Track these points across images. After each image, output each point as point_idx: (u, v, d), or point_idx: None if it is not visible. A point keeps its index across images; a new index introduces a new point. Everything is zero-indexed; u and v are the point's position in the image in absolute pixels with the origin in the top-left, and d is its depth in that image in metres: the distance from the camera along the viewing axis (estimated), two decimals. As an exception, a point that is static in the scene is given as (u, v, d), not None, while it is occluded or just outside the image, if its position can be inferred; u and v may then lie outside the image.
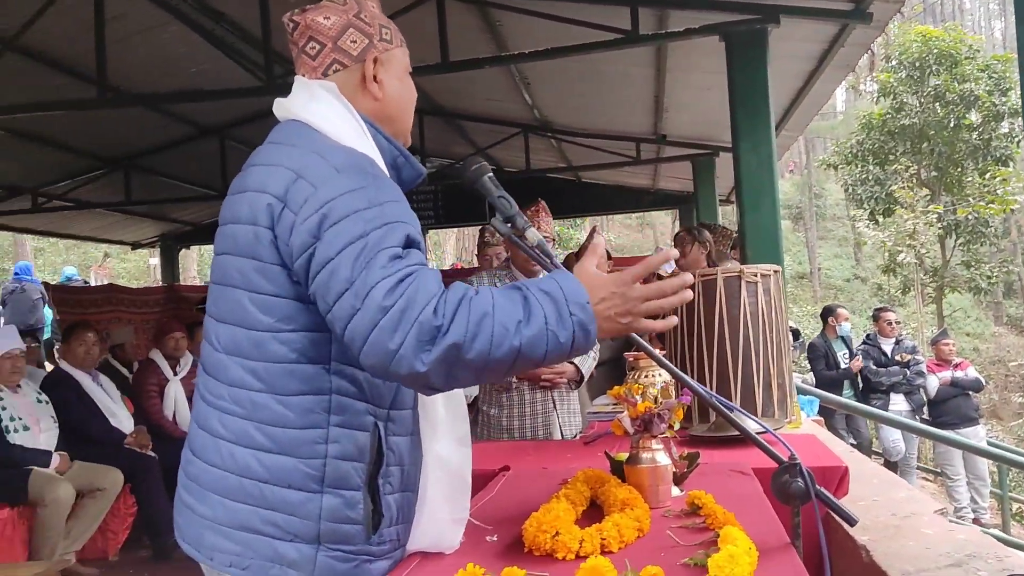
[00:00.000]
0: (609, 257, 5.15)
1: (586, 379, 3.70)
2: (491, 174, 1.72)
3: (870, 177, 17.77)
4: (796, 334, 9.61)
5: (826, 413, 7.74)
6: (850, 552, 2.09)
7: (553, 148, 10.31)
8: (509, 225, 1.68)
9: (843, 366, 8.44)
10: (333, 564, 1.51)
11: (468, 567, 1.40)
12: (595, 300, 1.43)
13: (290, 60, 1.72)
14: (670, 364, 1.70)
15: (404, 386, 1.50)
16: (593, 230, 5.16)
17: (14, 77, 6.10)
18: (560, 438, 3.53)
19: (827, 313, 9.08)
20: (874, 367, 8.35)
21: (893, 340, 8.53)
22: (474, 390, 3.86)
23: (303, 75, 1.66)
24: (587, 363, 3.66)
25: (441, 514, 1.63)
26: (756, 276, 3.27)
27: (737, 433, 2.71)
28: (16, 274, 11.52)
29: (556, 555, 1.56)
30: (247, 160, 1.61)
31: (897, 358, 8.35)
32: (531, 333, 1.37)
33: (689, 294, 1.51)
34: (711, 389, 3.22)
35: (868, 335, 8.93)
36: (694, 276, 3.24)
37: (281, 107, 1.65)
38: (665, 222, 30.70)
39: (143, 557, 5.69)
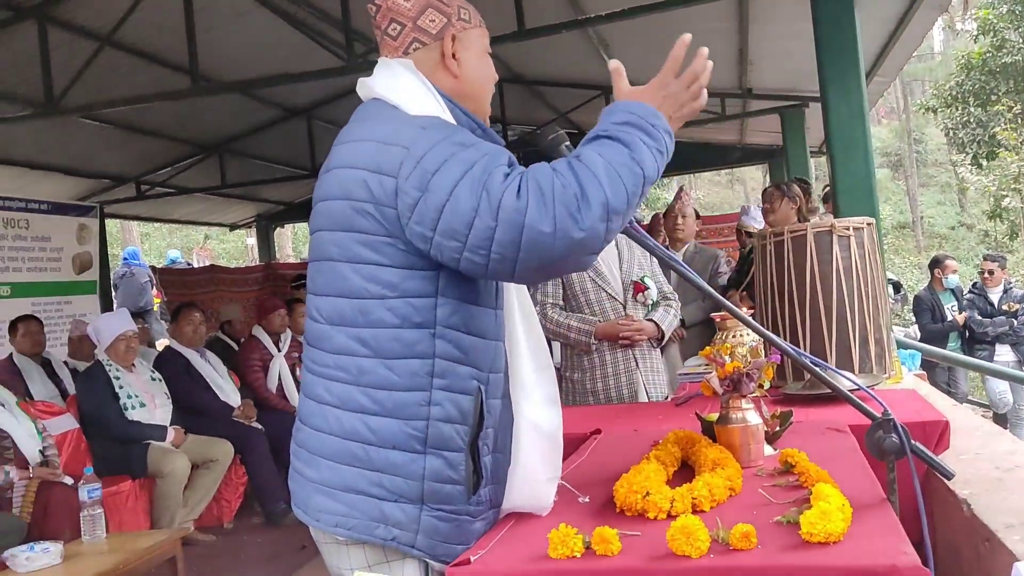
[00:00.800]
0: (698, 216, 5.10)
1: (667, 337, 3.67)
2: (568, 142, 1.73)
3: (971, 119, 16.99)
4: (897, 287, 9.33)
5: (929, 367, 7.53)
6: (951, 506, 2.05)
7: (636, 109, 10.17)
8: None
9: (950, 319, 8.16)
10: (436, 523, 1.56)
11: (560, 527, 1.44)
12: (656, 106, 1.54)
13: (370, 38, 1.77)
14: (755, 324, 1.70)
15: (567, 269, 1.53)
16: (680, 190, 5.11)
17: (112, 72, 6.35)
18: (646, 397, 3.53)
19: (934, 264, 8.76)
20: (979, 317, 8.04)
21: (1000, 289, 8.18)
22: (557, 357, 3.89)
23: (386, 55, 1.71)
24: (667, 320, 3.63)
25: (535, 474, 1.67)
26: (848, 230, 3.20)
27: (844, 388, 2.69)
28: (125, 259, 12.05)
29: (648, 515, 1.59)
30: (335, 140, 1.67)
31: (1004, 307, 8.03)
32: (644, 158, 1.46)
33: (704, 50, 1.63)
34: (804, 347, 3.18)
35: (974, 284, 8.60)
36: (784, 232, 3.22)
37: (364, 86, 1.71)
38: (756, 177, 30.00)
39: (256, 523, 5.95)
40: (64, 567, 3.56)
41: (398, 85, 1.63)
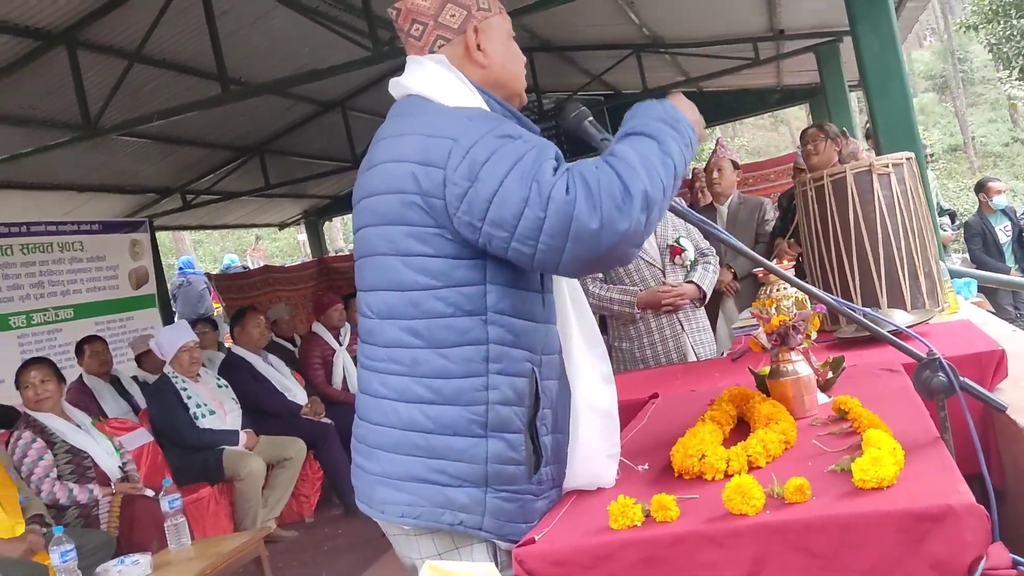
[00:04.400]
0: (737, 167, 5.03)
1: (708, 295, 3.65)
2: (591, 118, 1.75)
3: (1015, 32, 16.44)
4: (952, 216, 9.11)
5: (990, 292, 7.36)
6: (1013, 435, 2.04)
7: (668, 63, 10.07)
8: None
9: (1003, 240, 7.94)
10: (501, 504, 1.61)
11: (619, 498, 1.47)
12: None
13: (392, 25, 1.80)
14: (791, 276, 1.71)
15: (611, 263, 1.56)
16: (717, 143, 5.06)
17: (145, 86, 6.47)
18: (695, 358, 3.54)
19: (979, 189, 8.55)
20: (1042, 233, 7.82)
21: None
22: None
23: (413, 55, 1.74)
24: (707, 279, 3.61)
25: (595, 451, 1.70)
26: (888, 167, 3.17)
27: (886, 331, 2.67)
28: (180, 269, 12.32)
29: (705, 477, 1.61)
30: (373, 136, 1.71)
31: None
32: (673, 151, 1.54)
33: None
34: (854, 288, 3.17)
35: (1033, 201, 8.37)
36: (824, 177, 3.19)
37: (397, 86, 1.74)
38: (800, 116, 29.31)
39: (335, 515, 6.09)
40: (154, 577, 3.70)
41: (432, 80, 1.67)
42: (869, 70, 4.62)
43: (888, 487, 1.37)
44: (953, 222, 9.06)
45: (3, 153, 6.12)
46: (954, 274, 4.31)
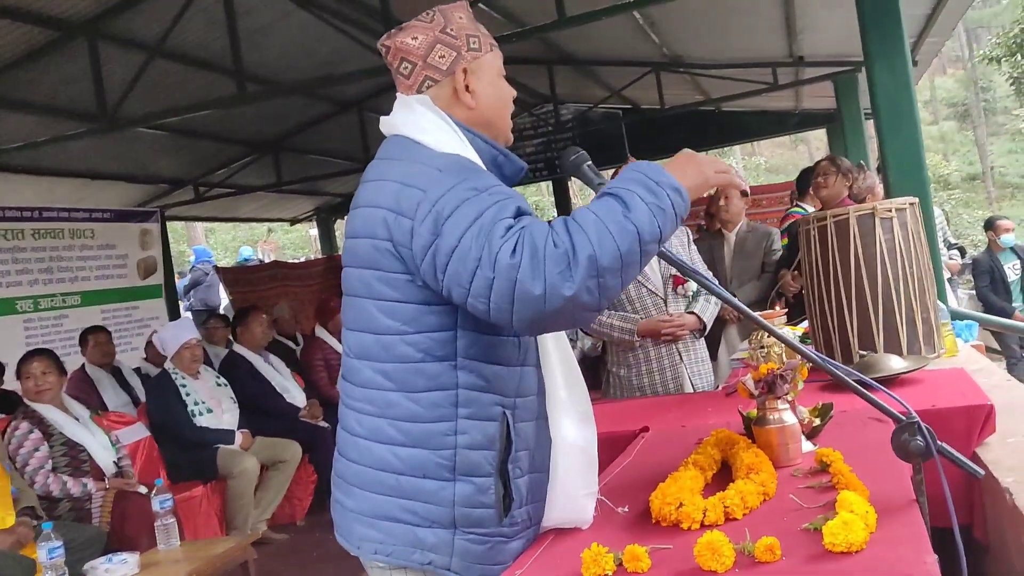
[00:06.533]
0: (745, 195, 5.05)
1: (708, 327, 3.63)
2: (590, 161, 1.77)
3: (1038, 67, 16.42)
4: (962, 251, 9.10)
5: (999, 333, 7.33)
6: (996, 493, 2.04)
7: (687, 82, 10.09)
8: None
9: (1011, 279, 7.94)
10: (469, 546, 1.62)
11: (592, 546, 1.48)
12: (671, 170, 1.56)
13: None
14: (771, 326, 1.74)
15: (563, 326, 1.55)
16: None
17: (163, 80, 6.52)
18: (691, 389, 3.52)
19: (988, 226, 8.54)
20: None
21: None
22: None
23: (402, 93, 1.75)
24: (708, 311, 3.59)
25: (574, 490, 1.71)
26: (891, 212, 3.17)
27: (882, 375, 2.67)
28: (203, 259, 12.46)
29: (682, 525, 1.62)
30: (361, 177, 1.72)
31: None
32: (639, 215, 1.45)
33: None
34: (852, 330, 3.18)
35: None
36: (827, 217, 3.20)
37: (386, 124, 1.76)
38: (820, 136, 29.32)
39: (327, 520, 6.04)
40: (141, 577, 3.72)
41: (418, 122, 1.68)
42: (883, 109, 4.60)
43: (857, 552, 1.38)
44: (963, 257, 9.05)
45: (20, 140, 6.17)
46: (956, 315, 4.30)
